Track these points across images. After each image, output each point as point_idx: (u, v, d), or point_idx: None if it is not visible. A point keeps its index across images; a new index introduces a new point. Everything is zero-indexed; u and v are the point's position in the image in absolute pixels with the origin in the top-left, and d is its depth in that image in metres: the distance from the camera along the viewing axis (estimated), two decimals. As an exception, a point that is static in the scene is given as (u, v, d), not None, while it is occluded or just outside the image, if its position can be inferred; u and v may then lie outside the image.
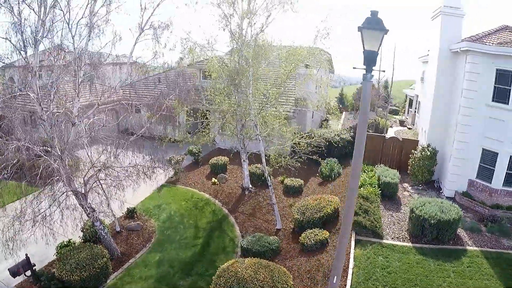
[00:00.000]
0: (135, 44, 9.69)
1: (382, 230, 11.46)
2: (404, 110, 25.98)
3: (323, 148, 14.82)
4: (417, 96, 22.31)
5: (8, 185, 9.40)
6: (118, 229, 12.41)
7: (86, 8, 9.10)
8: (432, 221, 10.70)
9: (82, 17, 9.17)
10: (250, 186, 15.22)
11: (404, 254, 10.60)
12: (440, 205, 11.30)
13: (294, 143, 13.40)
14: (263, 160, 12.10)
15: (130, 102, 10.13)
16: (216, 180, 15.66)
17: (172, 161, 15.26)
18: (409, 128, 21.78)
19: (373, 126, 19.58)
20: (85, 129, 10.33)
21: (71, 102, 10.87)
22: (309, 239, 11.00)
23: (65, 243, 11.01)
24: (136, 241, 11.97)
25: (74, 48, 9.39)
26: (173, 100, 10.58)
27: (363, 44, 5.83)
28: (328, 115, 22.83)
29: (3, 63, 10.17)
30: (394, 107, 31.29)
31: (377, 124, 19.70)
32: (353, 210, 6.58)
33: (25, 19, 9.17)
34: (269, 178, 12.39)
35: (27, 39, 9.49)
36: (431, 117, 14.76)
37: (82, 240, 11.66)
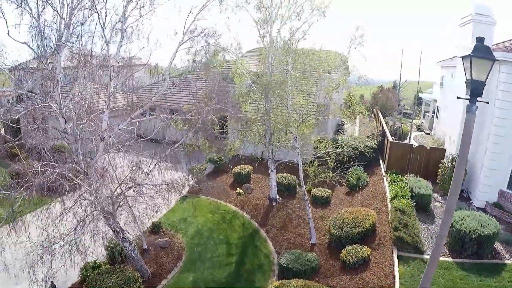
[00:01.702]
0: (176, 51, 8.79)
1: (423, 245, 11.27)
2: (420, 114, 25.90)
3: (354, 158, 14.42)
4: (435, 100, 22.15)
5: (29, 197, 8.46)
6: (145, 246, 11.65)
7: (123, 11, 8.10)
8: (473, 236, 10.58)
9: (118, 21, 8.18)
10: (278, 197, 14.68)
11: (446, 270, 10.46)
12: (479, 218, 11.17)
13: (324, 153, 12.92)
14: (301, 174, 11.57)
15: (171, 116, 9.26)
16: (241, 190, 14.98)
17: (194, 170, 14.45)
18: (427, 133, 21.70)
19: (396, 133, 19.36)
20: (111, 142, 9.44)
21: (97, 113, 9.93)
22: (351, 256, 10.63)
23: (90, 264, 10.21)
24: (166, 260, 11.27)
25: (108, 56, 8.41)
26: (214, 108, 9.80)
27: (470, 73, 5.34)
28: (343, 120, 22.50)
29: (16, 66, 9.14)
30: (404, 110, 31.17)
31: (400, 131, 19.48)
32: (440, 249, 6.25)
33: (53, 22, 8.14)
34: (305, 192, 11.88)
35: (48, 44, 8.48)
36: (461, 127, 14.58)
37: (107, 259, 10.88)
